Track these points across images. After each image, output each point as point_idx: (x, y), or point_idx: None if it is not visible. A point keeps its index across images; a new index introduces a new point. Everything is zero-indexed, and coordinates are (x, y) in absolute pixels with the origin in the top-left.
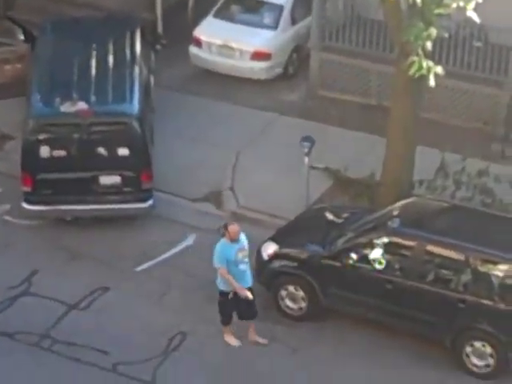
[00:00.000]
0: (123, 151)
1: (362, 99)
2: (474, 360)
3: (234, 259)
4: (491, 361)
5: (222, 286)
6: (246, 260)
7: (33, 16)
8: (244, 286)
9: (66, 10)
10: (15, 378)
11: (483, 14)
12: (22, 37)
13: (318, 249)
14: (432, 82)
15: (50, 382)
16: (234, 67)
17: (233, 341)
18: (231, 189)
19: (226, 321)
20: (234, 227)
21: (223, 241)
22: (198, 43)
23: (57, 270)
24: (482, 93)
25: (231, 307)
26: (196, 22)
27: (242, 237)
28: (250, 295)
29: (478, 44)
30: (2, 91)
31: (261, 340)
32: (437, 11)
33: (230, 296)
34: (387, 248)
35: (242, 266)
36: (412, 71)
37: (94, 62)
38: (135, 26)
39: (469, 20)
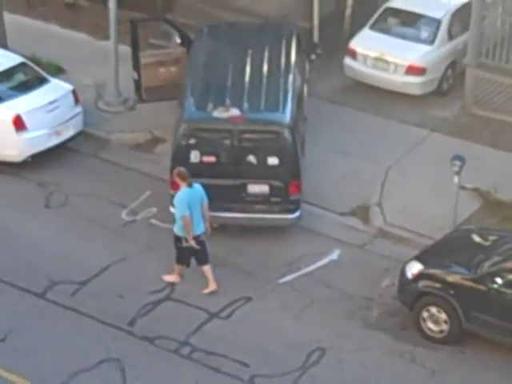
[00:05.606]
0: (273, 160)
1: None
2: None
3: None
4: None
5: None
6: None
7: (190, 19)
8: None
9: (223, 15)
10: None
11: None
12: (178, 40)
13: (463, 271)
14: None
15: None
16: (388, 81)
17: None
18: (379, 205)
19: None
20: None
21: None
22: (353, 55)
23: (200, 277)
24: None
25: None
26: (352, 33)
27: None
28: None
29: None
30: (155, 93)
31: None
32: None
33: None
34: None
35: None
36: None
37: (248, 68)
38: (291, 33)
39: None
